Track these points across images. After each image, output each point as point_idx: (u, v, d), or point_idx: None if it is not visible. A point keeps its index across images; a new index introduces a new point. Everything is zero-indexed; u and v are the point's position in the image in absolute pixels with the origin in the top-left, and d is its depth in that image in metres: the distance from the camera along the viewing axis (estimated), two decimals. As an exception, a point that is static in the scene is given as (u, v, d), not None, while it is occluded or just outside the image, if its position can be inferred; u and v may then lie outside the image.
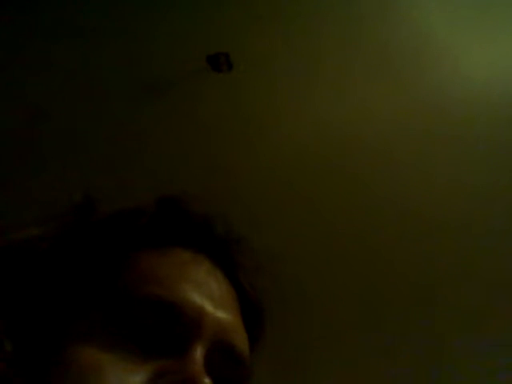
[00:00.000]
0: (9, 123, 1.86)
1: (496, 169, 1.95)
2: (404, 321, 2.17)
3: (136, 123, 1.91)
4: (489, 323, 2.16)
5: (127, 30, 1.77)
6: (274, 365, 0.90)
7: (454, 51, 1.79)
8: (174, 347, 0.45)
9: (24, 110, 1.85)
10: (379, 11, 1.75)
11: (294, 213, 2.04)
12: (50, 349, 0.43)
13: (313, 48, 1.80)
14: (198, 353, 0.45)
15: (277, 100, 1.89)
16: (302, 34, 1.78)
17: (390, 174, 1.97)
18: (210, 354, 0.46)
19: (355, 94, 1.87)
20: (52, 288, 0.46)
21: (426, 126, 1.90)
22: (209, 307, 0.47)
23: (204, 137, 1.94)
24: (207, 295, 0.48)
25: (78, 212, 0.51)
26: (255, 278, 0.54)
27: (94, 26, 1.76)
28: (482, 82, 1.83)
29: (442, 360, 2.22)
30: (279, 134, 1.93)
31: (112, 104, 1.87)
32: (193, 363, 0.44)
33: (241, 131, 1.93)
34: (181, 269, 0.49)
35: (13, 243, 0.47)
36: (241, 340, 0.49)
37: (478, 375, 2.20)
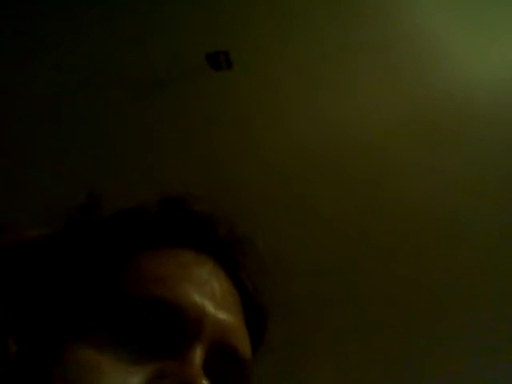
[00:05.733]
0: (9, 123, 1.85)
1: (497, 169, 1.95)
2: (407, 324, 2.17)
3: (135, 121, 1.91)
4: (489, 324, 2.16)
5: (127, 29, 1.77)
6: (276, 366, 0.89)
7: (455, 52, 1.79)
8: (174, 348, 0.44)
9: (25, 108, 1.85)
10: (380, 13, 1.75)
11: (295, 212, 2.04)
12: (51, 349, 0.43)
13: (312, 47, 1.80)
14: (197, 354, 0.44)
15: (276, 99, 1.88)
16: (302, 33, 1.78)
17: (391, 174, 1.98)
18: (209, 356, 0.45)
19: (355, 93, 1.87)
20: (54, 288, 0.46)
21: (427, 126, 1.90)
22: (210, 308, 0.46)
23: (203, 135, 1.94)
24: (209, 296, 0.47)
25: (81, 211, 0.50)
26: (258, 279, 0.53)
27: (93, 24, 1.76)
28: (482, 82, 1.83)
29: (443, 362, 2.22)
30: (279, 132, 1.93)
31: (112, 102, 1.87)
32: (191, 365, 0.43)
33: (240, 129, 1.93)
34: (183, 269, 0.48)
35: (16, 243, 0.47)
36: (242, 341, 0.49)
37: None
